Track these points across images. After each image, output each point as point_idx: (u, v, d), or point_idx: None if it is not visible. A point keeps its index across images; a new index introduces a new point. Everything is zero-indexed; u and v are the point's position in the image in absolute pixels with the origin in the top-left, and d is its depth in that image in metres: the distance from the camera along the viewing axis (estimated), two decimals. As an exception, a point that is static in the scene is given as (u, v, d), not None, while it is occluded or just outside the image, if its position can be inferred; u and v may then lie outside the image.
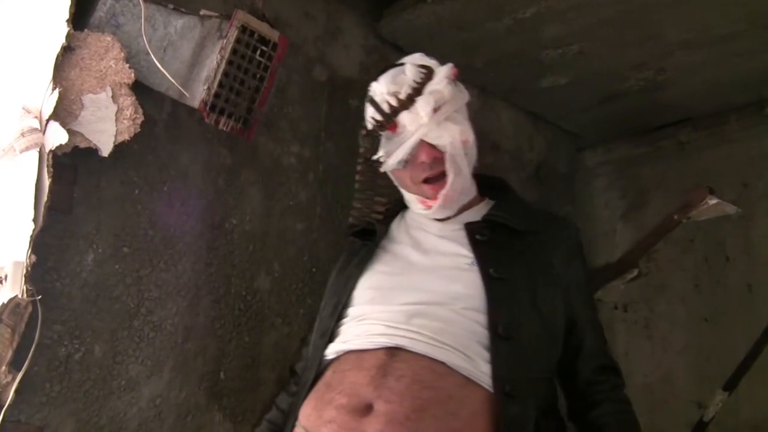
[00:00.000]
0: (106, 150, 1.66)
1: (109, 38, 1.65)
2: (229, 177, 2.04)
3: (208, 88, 1.85)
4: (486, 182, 1.66)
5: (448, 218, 1.55)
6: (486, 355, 1.32)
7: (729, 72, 2.57)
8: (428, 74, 1.49)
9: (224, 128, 1.91)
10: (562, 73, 2.67)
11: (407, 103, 1.46)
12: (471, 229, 1.49)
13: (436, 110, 1.45)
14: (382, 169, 1.54)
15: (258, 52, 1.93)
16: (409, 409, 1.24)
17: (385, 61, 2.51)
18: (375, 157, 1.52)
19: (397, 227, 1.63)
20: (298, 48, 2.23)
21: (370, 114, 1.52)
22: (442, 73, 1.49)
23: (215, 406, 1.94)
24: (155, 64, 1.73)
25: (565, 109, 3.05)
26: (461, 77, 1.53)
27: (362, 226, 1.64)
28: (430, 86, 1.46)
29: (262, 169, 2.12)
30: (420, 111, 1.44)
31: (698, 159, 2.99)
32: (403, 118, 1.46)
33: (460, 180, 1.49)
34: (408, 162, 1.50)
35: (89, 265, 1.73)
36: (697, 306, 2.87)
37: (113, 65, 1.65)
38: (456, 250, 1.47)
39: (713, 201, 1.96)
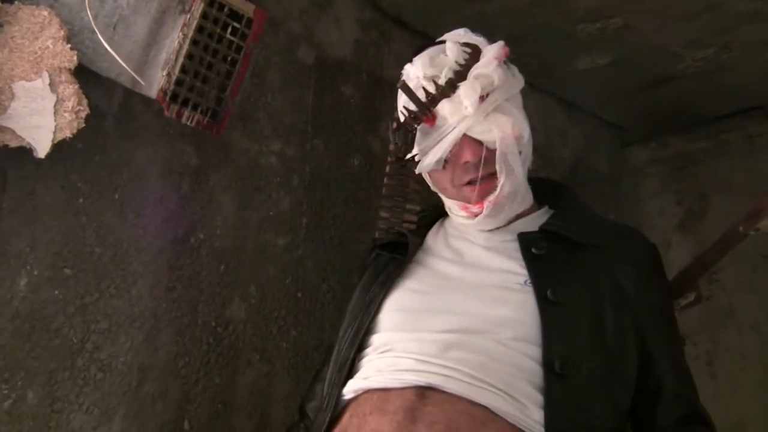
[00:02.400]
0: (42, 150, 1.64)
1: (45, 12, 1.63)
2: (195, 181, 2.03)
3: (169, 74, 1.84)
4: (544, 187, 1.67)
5: (497, 228, 1.56)
6: (538, 397, 1.30)
7: (807, 50, 2.56)
8: (474, 55, 1.49)
9: (188, 122, 1.90)
10: (601, 52, 2.67)
11: (448, 90, 1.45)
12: (525, 240, 1.49)
13: (483, 99, 1.45)
14: (417, 170, 1.54)
15: (229, 29, 1.91)
16: None
17: (386, 38, 2.51)
18: (408, 156, 1.52)
19: (434, 238, 1.64)
20: (278, 24, 2.22)
21: (403, 103, 1.53)
22: (492, 52, 1.49)
23: (179, 462, 1.93)
24: (103, 44, 1.71)
25: (606, 96, 3.05)
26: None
27: (391, 238, 1.64)
28: (476, 69, 1.46)
29: (235, 172, 2.11)
30: (464, 100, 1.44)
31: (771, 155, 2.97)
32: (443, 108, 1.46)
33: (512, 183, 1.48)
34: (448, 162, 1.51)
35: (22, 291, 1.72)
36: (773, 336, 2.85)
37: (51, 46, 1.63)
38: (506, 266, 1.47)
39: (788, 208, 1.94)
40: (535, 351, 1.33)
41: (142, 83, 1.81)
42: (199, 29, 1.86)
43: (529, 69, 2.83)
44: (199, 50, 1.87)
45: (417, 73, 1.50)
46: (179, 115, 1.87)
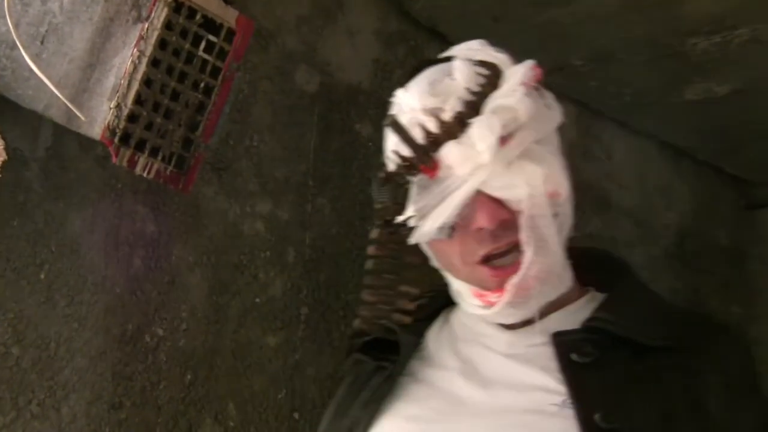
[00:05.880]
0: (-60, 210, 1.65)
1: (-52, 21, 1.66)
2: (152, 256, 2.03)
3: (118, 106, 1.84)
4: (590, 263, 1.62)
5: (524, 323, 1.50)
6: None
7: None
8: (492, 78, 1.44)
9: (144, 173, 1.89)
10: (720, 77, 2.67)
11: (456, 128, 1.40)
12: (563, 343, 1.44)
13: (504, 140, 1.40)
14: (411, 240, 1.49)
15: (203, 44, 1.92)
16: None
17: (418, 57, 2.52)
18: (400, 219, 1.48)
19: (436, 339, 1.60)
20: (269, 37, 2.24)
21: (393, 146, 1.49)
22: (518, 75, 1.43)
23: None
24: (26, 63, 1.73)
25: (727, 139, 3.04)
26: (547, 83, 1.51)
27: (377, 335, 1.61)
28: (496, 100, 1.41)
29: (207, 243, 2.12)
30: (477, 142, 1.38)
31: None
32: (449, 153, 1.40)
33: (544, 259, 1.42)
34: (457, 228, 1.45)
35: None
36: None
37: (-46, 66, 1.65)
38: (537, 381, 1.42)
39: None
40: None
41: (81, 118, 1.81)
42: (162, 44, 1.86)
43: (620, 101, 2.85)
44: (161, 73, 1.87)
45: (412, 103, 1.45)
46: (131, 163, 1.87)
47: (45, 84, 1.74)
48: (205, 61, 1.92)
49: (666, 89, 2.76)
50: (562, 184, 1.46)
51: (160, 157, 1.89)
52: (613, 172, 2.97)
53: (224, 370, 2.09)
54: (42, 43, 1.77)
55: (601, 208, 2.93)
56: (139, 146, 1.86)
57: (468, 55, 1.49)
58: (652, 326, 1.47)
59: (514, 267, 1.42)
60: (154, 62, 1.85)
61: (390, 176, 1.49)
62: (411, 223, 1.47)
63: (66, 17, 1.79)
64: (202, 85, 1.92)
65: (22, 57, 1.72)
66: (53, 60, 1.78)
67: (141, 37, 1.85)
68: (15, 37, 1.71)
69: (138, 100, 1.84)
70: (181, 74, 1.89)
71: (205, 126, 1.95)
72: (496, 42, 1.54)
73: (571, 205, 1.49)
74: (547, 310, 1.50)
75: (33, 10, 1.76)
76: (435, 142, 1.41)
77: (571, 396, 1.36)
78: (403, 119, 1.45)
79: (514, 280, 1.41)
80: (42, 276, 1.87)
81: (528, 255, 1.40)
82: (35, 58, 1.74)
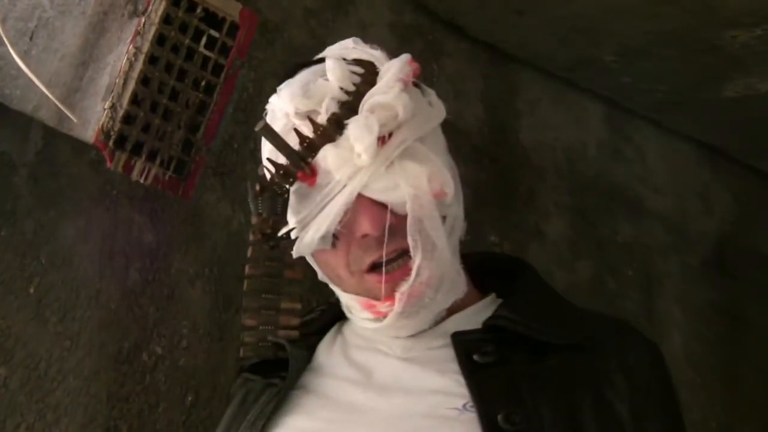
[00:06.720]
0: None
1: (-71, 16, 1.65)
2: (150, 267, 2.02)
3: (113, 107, 1.84)
4: (491, 268, 1.65)
5: (420, 331, 1.52)
6: None
7: None
8: (367, 75, 1.45)
9: (142, 179, 1.88)
10: (762, 72, 2.66)
11: (332, 131, 1.41)
12: (463, 343, 1.45)
13: (383, 140, 1.40)
14: (294, 253, 1.50)
15: (204, 39, 1.92)
16: None
17: (435, 52, 2.51)
18: (281, 233, 1.48)
19: (327, 351, 1.60)
20: (276, 31, 2.23)
21: (267, 154, 1.50)
22: (394, 71, 1.44)
23: None
24: (14, 61, 1.72)
25: (772, 139, 3.03)
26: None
27: (264, 356, 1.60)
28: (372, 98, 1.42)
29: (210, 253, 2.12)
30: (355, 144, 1.39)
31: None
32: (327, 157, 1.41)
33: (434, 263, 1.43)
34: (340, 237, 1.46)
35: None
36: None
37: (-63, 64, 1.64)
38: (436, 384, 1.43)
39: None
40: None
41: (74, 120, 1.80)
42: (160, 40, 1.86)
43: (653, 98, 2.84)
44: (159, 71, 1.87)
45: (285, 108, 1.46)
46: (128, 168, 1.86)
47: (34, 83, 1.74)
48: (206, 58, 1.91)
49: (703, 86, 2.75)
50: (448, 184, 1.46)
51: (158, 162, 1.88)
52: (646, 174, 2.96)
53: (228, 391, 2.08)
54: (31, 39, 1.77)
55: (633, 214, 2.92)
56: (136, 150, 1.86)
57: (341, 54, 1.51)
58: (554, 325, 1.50)
59: (404, 272, 1.43)
60: (151, 59, 1.85)
61: (266, 186, 1.49)
62: (292, 234, 1.47)
63: (57, 11, 1.79)
64: (203, 83, 1.92)
65: (10, 54, 1.71)
66: (43, 57, 1.78)
67: (137, 32, 1.85)
68: (2, 33, 1.71)
69: (134, 100, 1.84)
70: (180, 72, 1.89)
71: (207, 127, 1.94)
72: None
73: (461, 206, 1.51)
74: (444, 315, 1.52)
75: (21, 3, 1.76)
76: (311, 146, 1.42)
77: (472, 398, 1.37)
78: (277, 126, 1.46)
79: (403, 288, 1.42)
80: (31, 290, 1.86)
81: (417, 260, 1.41)
82: (24, 55, 1.74)
